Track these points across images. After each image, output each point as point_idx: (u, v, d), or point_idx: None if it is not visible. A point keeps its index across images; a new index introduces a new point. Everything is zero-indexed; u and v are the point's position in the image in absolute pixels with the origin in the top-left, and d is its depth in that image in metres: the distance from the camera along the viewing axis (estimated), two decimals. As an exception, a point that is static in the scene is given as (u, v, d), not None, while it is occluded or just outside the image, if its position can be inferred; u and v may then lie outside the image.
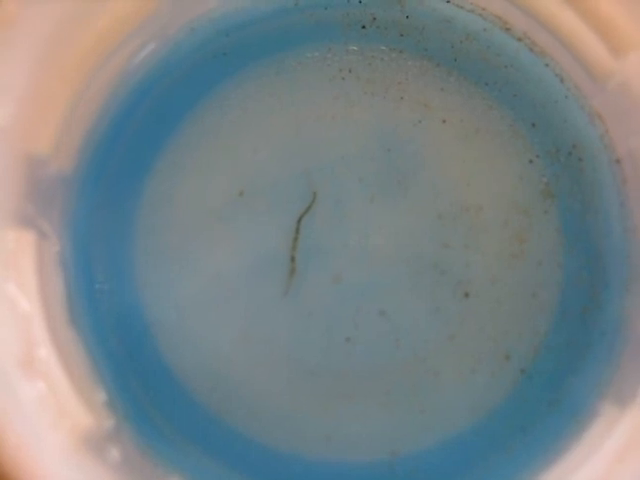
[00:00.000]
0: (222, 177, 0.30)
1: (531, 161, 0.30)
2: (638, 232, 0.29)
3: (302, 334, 0.30)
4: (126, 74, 0.29)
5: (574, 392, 0.29)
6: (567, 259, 0.30)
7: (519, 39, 0.30)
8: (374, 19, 0.31)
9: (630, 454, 0.25)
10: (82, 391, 0.27)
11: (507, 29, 0.30)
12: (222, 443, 0.30)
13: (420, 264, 0.30)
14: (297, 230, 0.30)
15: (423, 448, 0.30)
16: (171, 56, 0.30)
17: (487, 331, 0.30)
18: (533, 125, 0.30)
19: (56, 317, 0.27)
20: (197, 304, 0.30)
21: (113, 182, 0.30)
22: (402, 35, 0.31)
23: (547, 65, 0.30)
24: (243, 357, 0.30)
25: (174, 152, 0.30)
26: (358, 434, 0.30)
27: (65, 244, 0.28)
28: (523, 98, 0.30)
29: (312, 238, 0.30)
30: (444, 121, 0.31)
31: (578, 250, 0.30)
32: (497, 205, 0.30)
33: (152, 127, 0.30)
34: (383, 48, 0.31)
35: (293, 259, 0.30)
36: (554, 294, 0.30)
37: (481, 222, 0.30)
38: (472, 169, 0.30)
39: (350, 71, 0.31)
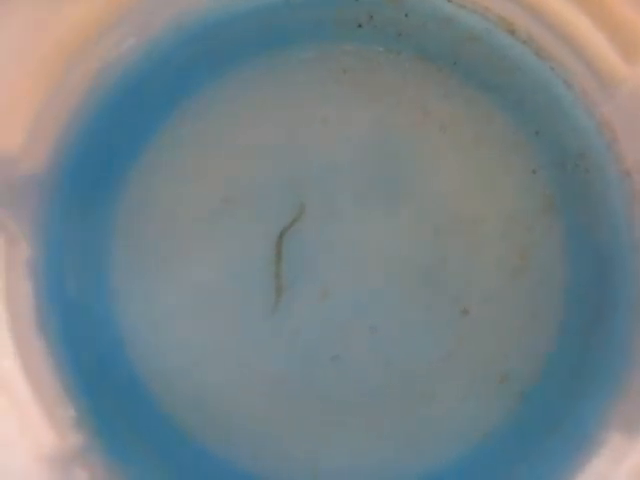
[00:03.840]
0: (205, 183, 0.28)
1: (534, 172, 0.29)
2: (647, 250, 0.27)
3: (286, 353, 0.28)
4: (105, 71, 0.27)
5: (576, 419, 0.27)
6: (571, 277, 0.28)
7: (524, 42, 0.28)
8: (371, 17, 0.29)
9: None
10: (48, 407, 0.25)
11: (511, 31, 0.28)
12: (199, 467, 0.28)
13: (414, 279, 0.28)
14: (280, 245, 0.28)
15: (415, 475, 0.28)
16: (153, 53, 0.28)
17: (484, 351, 0.28)
18: (537, 133, 0.29)
19: (23, 327, 0.25)
20: (175, 318, 0.28)
21: (89, 186, 0.28)
22: (400, 35, 0.29)
23: (553, 69, 0.28)
24: (222, 376, 0.28)
25: (155, 155, 0.28)
26: (346, 463, 0.28)
27: (36, 250, 0.26)
28: (527, 104, 0.29)
29: (300, 250, 0.28)
30: (442, 127, 0.29)
31: (583, 268, 0.28)
32: (497, 218, 0.29)
33: (131, 128, 0.28)
34: (380, 49, 0.29)
35: (278, 276, 0.28)
36: (556, 314, 0.28)
37: (480, 236, 0.28)
38: (471, 179, 0.29)
39: (344, 72, 0.29)
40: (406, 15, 0.29)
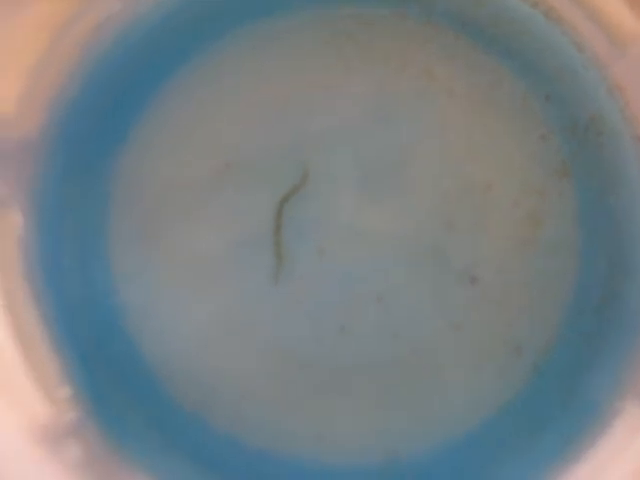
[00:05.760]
0: (206, 148, 0.28)
1: (544, 137, 0.28)
2: (663, 215, 0.26)
3: (291, 322, 0.27)
4: (101, 31, 0.26)
5: (591, 389, 0.26)
6: (584, 244, 0.27)
7: (533, 4, 0.27)
8: (375, -20, 0.28)
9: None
10: (42, 380, 0.24)
11: (520, -7, 0.28)
12: (200, 442, 0.27)
13: (422, 246, 0.27)
14: (281, 213, 0.27)
15: (423, 449, 0.27)
16: (152, 15, 0.27)
17: (495, 322, 0.27)
18: (547, 98, 0.28)
19: (16, 298, 0.24)
20: (174, 288, 0.27)
21: (84, 151, 0.27)
22: (405, -2, 0.28)
23: (563, 31, 0.27)
24: (224, 348, 0.27)
25: (152, 120, 0.27)
26: (352, 433, 0.27)
27: (29, 215, 0.25)
28: (536, 68, 0.28)
29: (302, 218, 0.27)
30: (449, 92, 0.28)
31: (596, 235, 0.27)
32: (507, 184, 0.28)
33: (128, 92, 0.27)
34: (385, 12, 0.28)
35: (278, 244, 0.27)
36: (569, 282, 0.27)
37: (489, 202, 0.28)
38: (479, 144, 0.28)
39: (347, 36, 0.28)
40: (412, -22, 0.28)
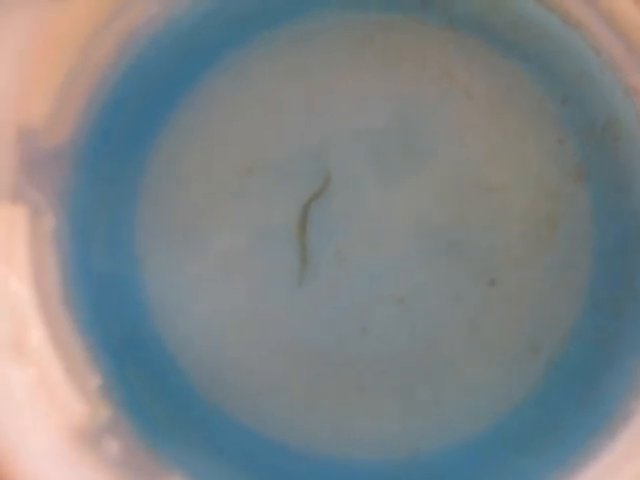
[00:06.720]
0: (230, 151, 0.28)
1: (560, 140, 0.28)
2: (677, 217, 0.27)
3: (312, 323, 0.28)
4: (128, 40, 0.27)
5: (607, 388, 0.27)
6: (599, 245, 0.28)
7: (551, 9, 0.28)
8: (395, -15, 0.29)
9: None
10: (76, 378, 0.25)
11: (537, -3, 0.28)
12: (225, 437, 0.28)
13: (441, 248, 0.28)
14: (305, 215, 0.28)
15: (441, 447, 0.28)
16: (176, 22, 0.28)
17: (512, 321, 0.28)
18: (564, 101, 0.28)
19: (50, 298, 0.25)
20: (201, 286, 0.28)
21: (114, 156, 0.28)
22: (425, 3, 0.28)
23: (581, 37, 0.28)
24: (249, 345, 0.28)
25: (179, 124, 0.28)
26: (371, 430, 0.28)
27: (61, 220, 0.26)
28: (554, 72, 0.28)
29: (323, 221, 0.28)
30: (468, 95, 0.28)
31: (611, 236, 0.28)
32: (523, 186, 0.28)
33: (156, 98, 0.28)
34: (404, 17, 0.29)
35: (303, 246, 0.28)
36: (584, 281, 0.28)
37: (506, 203, 0.28)
38: (497, 147, 0.28)
39: (369, 41, 0.29)
40: (431, -18, 0.28)
